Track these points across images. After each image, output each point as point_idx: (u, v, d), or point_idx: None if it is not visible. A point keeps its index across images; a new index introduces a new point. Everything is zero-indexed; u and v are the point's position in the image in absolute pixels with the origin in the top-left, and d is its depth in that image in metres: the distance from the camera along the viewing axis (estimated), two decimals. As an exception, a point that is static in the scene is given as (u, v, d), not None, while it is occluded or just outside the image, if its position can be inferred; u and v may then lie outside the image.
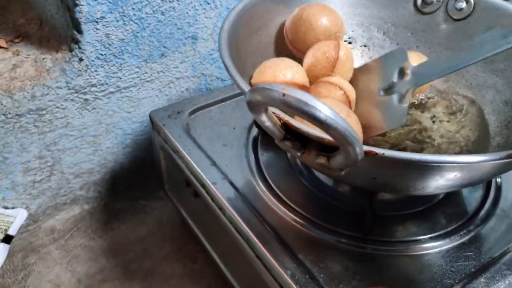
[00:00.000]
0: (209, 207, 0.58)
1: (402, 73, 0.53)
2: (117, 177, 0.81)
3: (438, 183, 0.41)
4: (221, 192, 0.56)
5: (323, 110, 0.30)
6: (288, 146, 0.39)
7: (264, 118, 0.37)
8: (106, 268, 0.71)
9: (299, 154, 0.40)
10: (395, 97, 0.52)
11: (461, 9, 0.60)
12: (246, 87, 0.41)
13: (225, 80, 0.83)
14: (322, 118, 0.30)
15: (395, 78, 0.53)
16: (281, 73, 0.50)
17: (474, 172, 0.41)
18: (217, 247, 0.64)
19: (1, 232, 0.67)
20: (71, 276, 0.69)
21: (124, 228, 0.77)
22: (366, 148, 0.35)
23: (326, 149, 0.38)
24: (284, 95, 0.30)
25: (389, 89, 0.54)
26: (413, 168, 0.38)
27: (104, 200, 0.81)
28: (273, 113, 0.38)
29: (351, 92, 0.53)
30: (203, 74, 0.79)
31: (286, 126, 0.39)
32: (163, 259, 0.72)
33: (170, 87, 0.76)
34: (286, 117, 0.38)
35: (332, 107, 0.30)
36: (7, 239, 0.67)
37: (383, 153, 0.35)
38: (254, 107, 0.35)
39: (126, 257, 0.72)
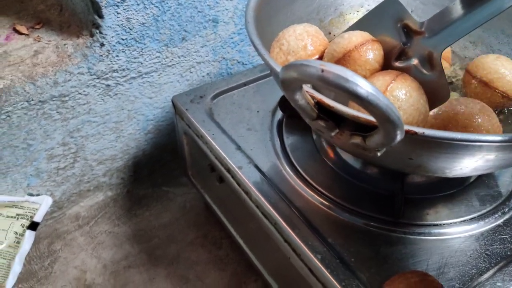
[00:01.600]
0: (234, 192, 0.57)
1: (408, 30, 0.47)
2: (139, 164, 0.80)
3: (477, 164, 0.40)
4: (247, 176, 0.55)
5: (364, 86, 0.29)
6: (321, 126, 0.38)
7: (297, 97, 0.35)
8: (131, 254, 0.70)
9: (332, 134, 0.38)
10: (417, 64, 0.46)
11: None
12: (277, 66, 0.40)
13: (246, 64, 0.82)
14: (363, 95, 0.29)
15: (401, 39, 0.48)
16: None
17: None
18: (243, 232, 0.63)
19: (27, 219, 0.67)
20: (97, 262, 0.69)
21: (147, 215, 0.77)
22: (406, 127, 0.33)
23: (362, 128, 0.36)
24: (322, 70, 0.29)
25: (402, 54, 0.48)
26: (453, 148, 0.37)
27: (127, 187, 0.81)
28: (306, 91, 0.36)
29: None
30: (224, 58, 0.78)
31: (319, 105, 0.37)
32: (188, 245, 0.72)
33: (191, 72, 0.75)
34: (320, 96, 0.37)
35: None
36: (33, 226, 0.67)
37: (423, 132, 0.34)
38: (288, 85, 0.33)
39: (150, 243, 0.72)
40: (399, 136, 0.32)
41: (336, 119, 0.38)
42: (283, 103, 0.62)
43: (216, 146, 0.58)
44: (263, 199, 0.52)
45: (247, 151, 0.58)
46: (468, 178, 0.55)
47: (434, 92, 0.44)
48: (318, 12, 0.61)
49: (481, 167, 0.41)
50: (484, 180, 0.55)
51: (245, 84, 0.69)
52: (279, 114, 0.63)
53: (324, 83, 0.29)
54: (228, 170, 0.57)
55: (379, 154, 0.36)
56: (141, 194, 0.80)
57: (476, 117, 0.44)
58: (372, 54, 0.47)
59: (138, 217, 0.76)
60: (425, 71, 0.46)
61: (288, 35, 0.50)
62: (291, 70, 0.31)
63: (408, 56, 0.47)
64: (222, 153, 0.58)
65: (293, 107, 0.46)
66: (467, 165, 0.40)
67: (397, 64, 0.48)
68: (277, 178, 0.55)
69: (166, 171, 0.83)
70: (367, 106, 0.29)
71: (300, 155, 0.58)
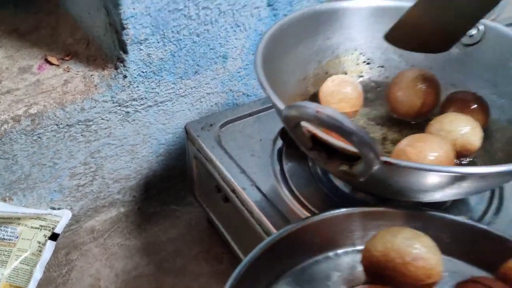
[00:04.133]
0: (238, 210, 0.65)
1: None
2: (150, 183, 0.88)
3: (444, 192, 0.47)
4: (250, 197, 0.62)
5: (349, 125, 0.37)
6: (315, 155, 0.46)
7: (296, 130, 0.43)
8: (141, 265, 0.77)
9: (324, 162, 0.46)
10: None
11: (471, 36, 0.66)
12: (281, 105, 0.48)
13: (250, 95, 0.90)
14: (349, 131, 0.37)
15: None
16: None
17: (486, 181, 0.47)
18: (244, 248, 0.70)
19: (49, 230, 0.74)
20: (109, 271, 0.76)
21: (156, 230, 0.84)
22: (384, 158, 0.41)
23: (349, 158, 0.44)
24: (317, 112, 0.37)
25: None
26: (426, 177, 0.45)
27: (138, 204, 0.88)
28: (303, 126, 0.44)
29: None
30: (231, 90, 0.86)
31: (314, 138, 0.45)
32: (193, 259, 0.79)
33: (201, 102, 0.84)
34: (315, 130, 0.44)
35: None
36: (54, 236, 0.74)
37: (389, 161, 0.42)
38: (289, 121, 0.41)
39: (159, 256, 0.79)
40: (377, 164, 0.40)
41: (328, 149, 0.46)
42: (283, 134, 0.70)
43: (223, 169, 0.66)
44: (264, 218, 0.60)
45: (251, 174, 0.66)
46: (444, 202, 0.62)
47: None
48: (317, 55, 0.70)
49: (450, 194, 0.49)
50: (458, 205, 0.62)
51: (250, 114, 0.77)
52: (279, 142, 0.71)
53: (319, 121, 0.37)
54: (233, 191, 0.65)
55: (362, 179, 0.44)
56: (151, 211, 0.87)
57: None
58: None
59: (148, 232, 0.83)
60: None
61: None
62: (292, 109, 0.40)
63: None
64: (229, 176, 0.65)
65: (292, 137, 0.54)
66: (443, 191, 0.48)
67: None
68: (276, 199, 0.62)
69: (174, 191, 0.91)
70: (352, 140, 0.37)
71: (297, 180, 0.65)
